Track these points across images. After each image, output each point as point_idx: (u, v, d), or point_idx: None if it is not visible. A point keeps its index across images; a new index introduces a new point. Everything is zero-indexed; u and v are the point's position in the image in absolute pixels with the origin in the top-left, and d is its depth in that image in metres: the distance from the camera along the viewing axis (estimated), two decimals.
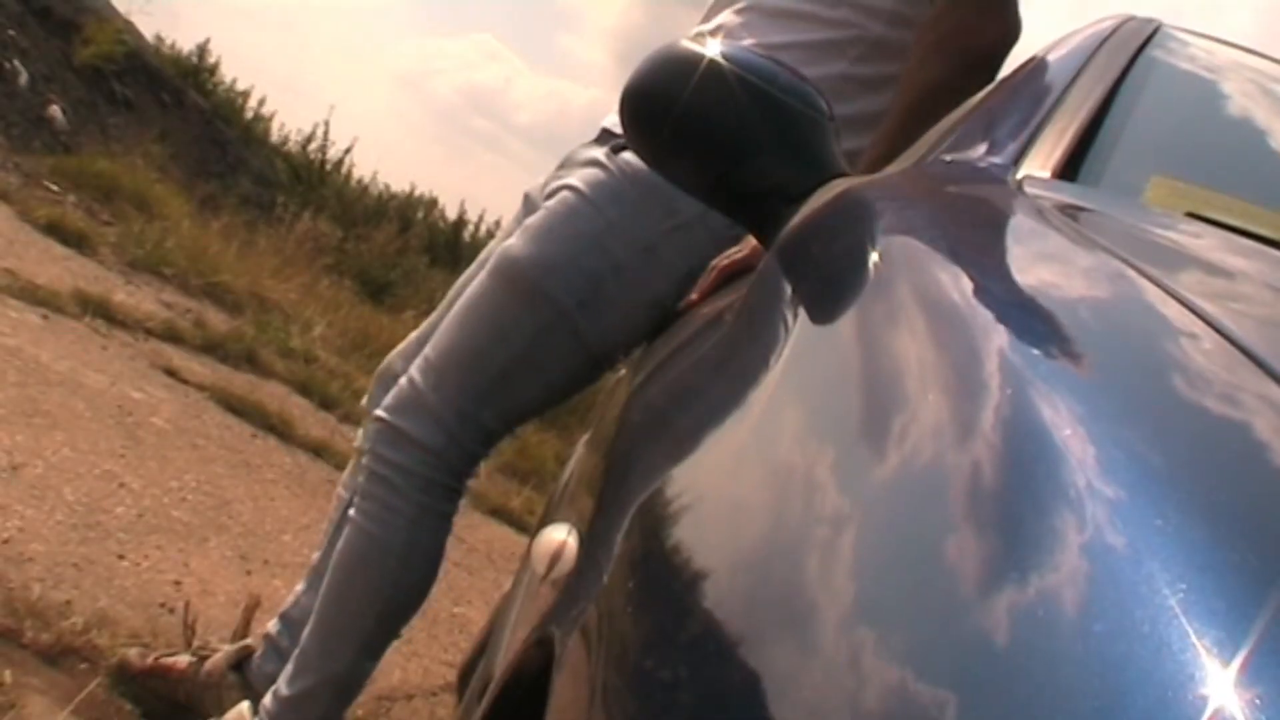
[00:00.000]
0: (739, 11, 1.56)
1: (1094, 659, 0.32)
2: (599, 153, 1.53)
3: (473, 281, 1.52)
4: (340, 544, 1.56)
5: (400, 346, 1.79)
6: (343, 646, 1.55)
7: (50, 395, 2.98)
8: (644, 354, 1.48)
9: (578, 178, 1.51)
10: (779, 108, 1.12)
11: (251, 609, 1.92)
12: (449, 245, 12.09)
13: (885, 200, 0.86)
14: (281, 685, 1.57)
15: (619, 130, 1.48)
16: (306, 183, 10.76)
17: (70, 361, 3.35)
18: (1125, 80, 1.20)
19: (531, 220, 1.52)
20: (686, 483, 0.66)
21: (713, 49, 1.12)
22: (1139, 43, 1.30)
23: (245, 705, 1.56)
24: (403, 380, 1.55)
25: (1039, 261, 0.68)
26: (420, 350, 1.64)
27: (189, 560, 2.48)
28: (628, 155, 1.47)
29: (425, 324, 1.80)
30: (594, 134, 1.63)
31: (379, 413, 1.53)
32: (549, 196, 1.55)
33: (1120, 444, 0.42)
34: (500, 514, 4.37)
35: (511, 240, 1.51)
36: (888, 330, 0.61)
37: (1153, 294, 0.57)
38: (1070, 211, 0.82)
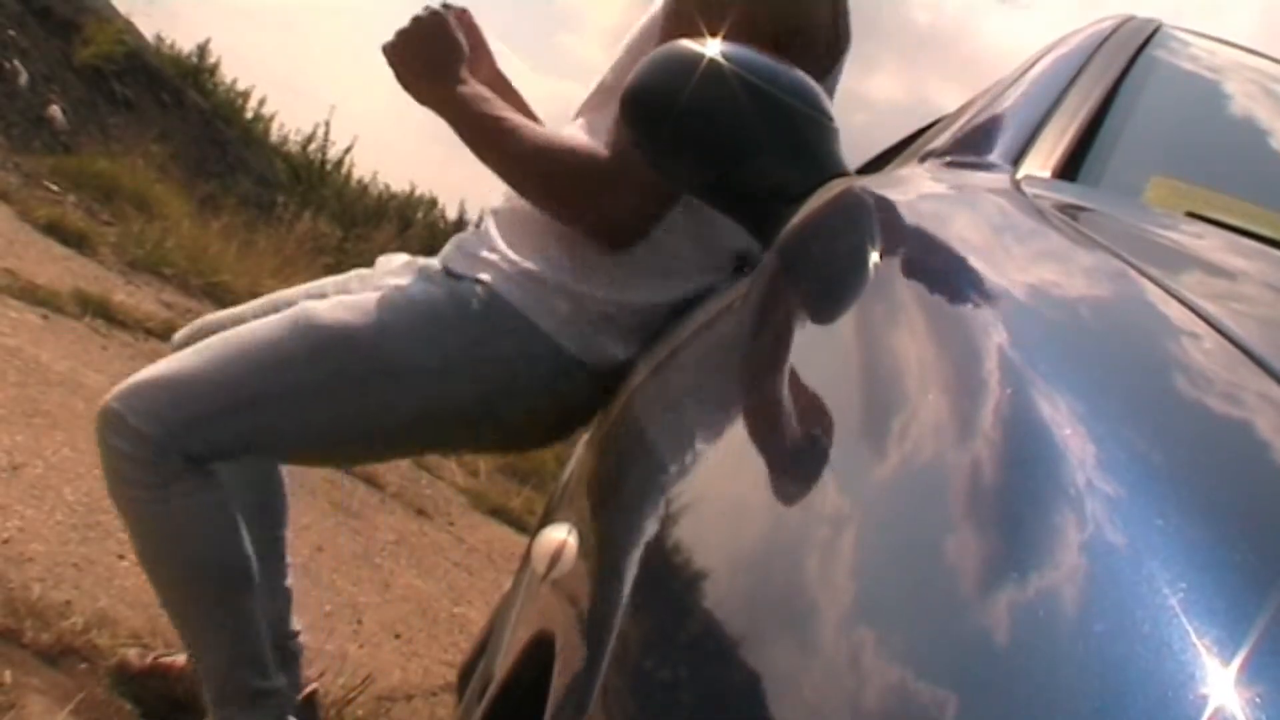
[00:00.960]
0: (594, 97, 1.63)
1: (1094, 659, 0.32)
2: (437, 268, 1.59)
3: (263, 319, 1.53)
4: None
5: (188, 330, 1.80)
6: (211, 634, 1.55)
7: (50, 395, 2.98)
8: (644, 354, 1.48)
9: (409, 282, 1.57)
10: (779, 107, 1.12)
11: None
12: None
13: (885, 200, 0.86)
14: (206, 699, 1.58)
15: (457, 268, 1.54)
16: (306, 183, 10.75)
17: (70, 361, 3.35)
18: (1125, 80, 1.20)
19: (348, 298, 1.56)
20: (686, 482, 0.66)
21: (713, 48, 1.12)
22: (1139, 43, 1.30)
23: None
24: (148, 370, 1.55)
25: (1039, 261, 0.68)
26: (232, 321, 1.67)
27: None
28: (460, 285, 1.53)
29: (224, 315, 1.81)
30: None
31: (108, 398, 1.51)
32: (376, 289, 1.63)
33: (1120, 443, 0.42)
34: (500, 514, 4.37)
35: (320, 303, 1.54)
36: (888, 330, 0.61)
37: (1153, 294, 0.57)
38: (1070, 211, 0.82)
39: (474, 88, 1.53)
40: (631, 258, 1.51)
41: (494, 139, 1.50)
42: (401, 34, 1.56)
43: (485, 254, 1.55)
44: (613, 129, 1.45)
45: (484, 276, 1.52)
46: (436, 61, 1.54)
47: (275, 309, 1.70)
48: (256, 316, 1.72)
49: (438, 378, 1.49)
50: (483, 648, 2.13)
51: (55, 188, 5.88)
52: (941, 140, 1.25)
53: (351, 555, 3.05)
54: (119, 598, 2.14)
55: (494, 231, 1.58)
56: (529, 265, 1.52)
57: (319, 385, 1.47)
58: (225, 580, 1.52)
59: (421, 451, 1.51)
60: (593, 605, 0.66)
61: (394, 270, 1.67)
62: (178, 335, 1.80)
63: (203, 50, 10.90)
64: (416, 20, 1.56)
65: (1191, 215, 0.91)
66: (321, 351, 1.48)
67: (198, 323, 1.81)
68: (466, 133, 1.53)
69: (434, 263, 1.60)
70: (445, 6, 1.60)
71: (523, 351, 1.50)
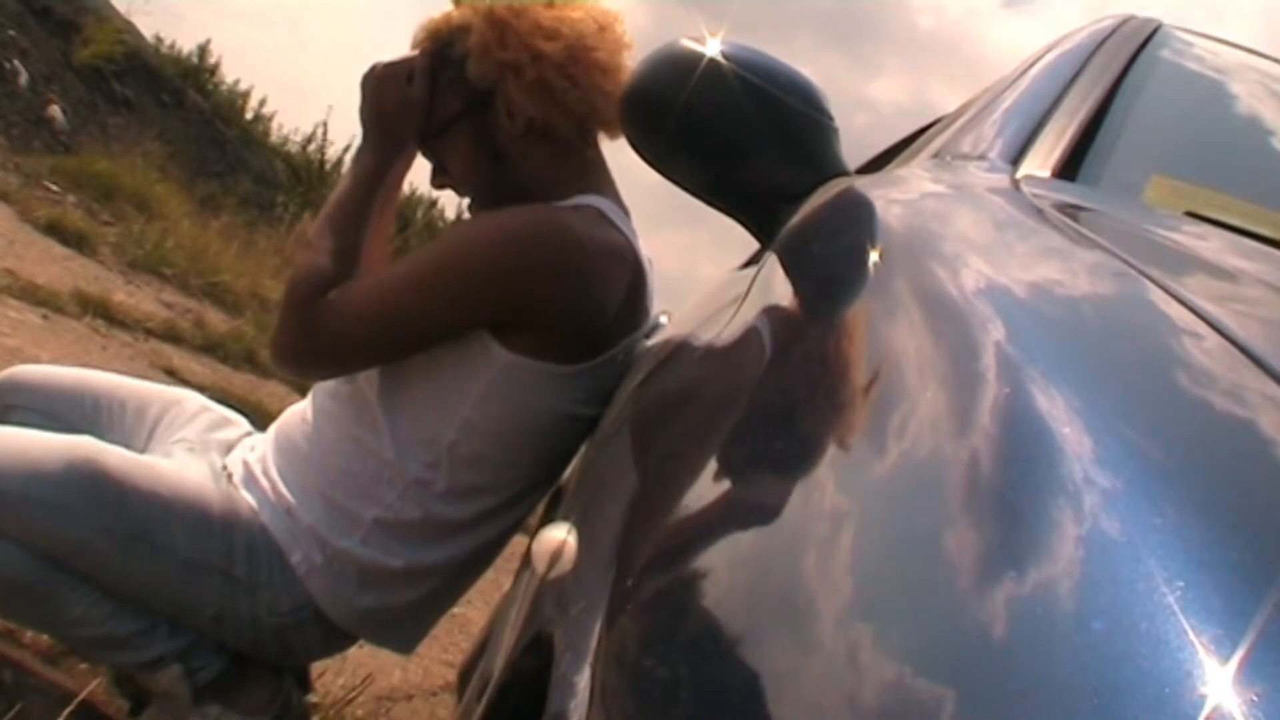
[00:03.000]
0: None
1: (1092, 656, 0.32)
2: (220, 466, 1.64)
3: (53, 442, 1.54)
4: None
5: (24, 374, 1.84)
6: (64, 633, 1.59)
7: None
8: (643, 354, 1.48)
9: (200, 465, 1.62)
10: (779, 107, 1.12)
11: None
12: None
13: (885, 199, 0.86)
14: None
15: (236, 477, 1.59)
16: (306, 183, 10.75)
17: (70, 362, 3.34)
18: (1125, 80, 1.20)
19: (142, 458, 1.60)
20: (686, 483, 0.66)
21: (713, 48, 1.12)
22: (1139, 42, 1.30)
23: (178, 668, 1.56)
24: None
25: (1038, 260, 0.68)
26: (44, 394, 1.76)
27: None
28: (235, 494, 1.57)
29: (61, 375, 1.85)
30: None
31: None
32: (174, 443, 1.70)
33: (1119, 441, 0.42)
34: None
35: (112, 451, 1.56)
36: (887, 329, 0.61)
37: (1152, 293, 0.57)
38: (1070, 211, 0.82)
39: (372, 180, 1.57)
40: (389, 518, 1.54)
41: (320, 230, 1.54)
42: (391, 70, 1.58)
43: (259, 474, 1.59)
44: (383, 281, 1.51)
45: (250, 500, 1.56)
46: (396, 130, 1.59)
47: (80, 393, 1.74)
48: (63, 388, 1.79)
49: (184, 567, 1.52)
50: (483, 648, 2.13)
51: (55, 188, 5.88)
52: (941, 140, 1.25)
53: None
54: None
55: (270, 454, 1.61)
56: (290, 499, 1.56)
57: (82, 515, 1.48)
58: (21, 600, 1.53)
59: (149, 607, 1.56)
60: (592, 605, 0.66)
61: (199, 432, 1.73)
62: None
63: (203, 50, 10.90)
64: (408, 63, 1.59)
65: (1191, 215, 0.91)
66: (95, 492, 1.49)
67: (4, 378, 1.83)
68: (325, 214, 1.56)
69: (224, 462, 1.64)
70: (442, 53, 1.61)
71: (269, 581, 1.55)
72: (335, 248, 1.52)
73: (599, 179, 1.61)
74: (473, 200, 1.66)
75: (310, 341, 1.49)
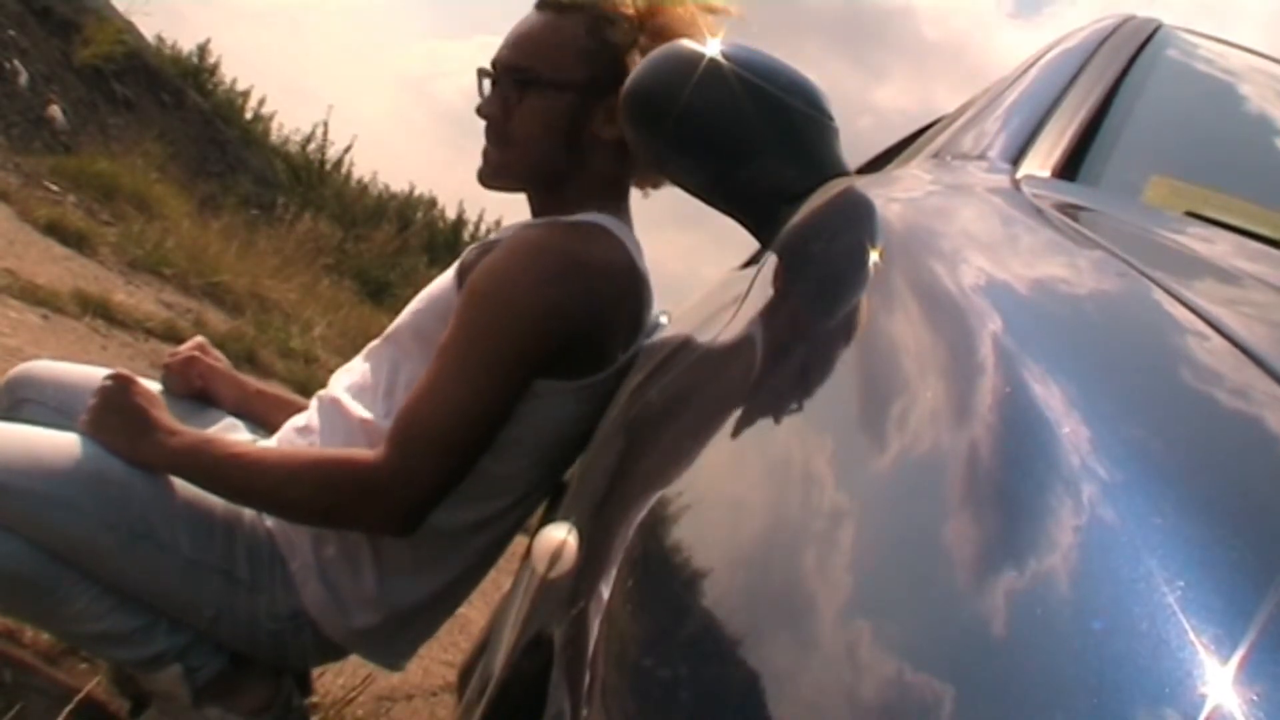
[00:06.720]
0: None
1: (1092, 656, 0.33)
2: None
3: (63, 440, 1.54)
4: None
5: (36, 369, 1.86)
6: (64, 629, 1.59)
7: None
8: (643, 354, 1.48)
9: None
10: (780, 107, 1.12)
11: None
12: (448, 244, 12.13)
13: (885, 200, 0.86)
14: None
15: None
16: (306, 183, 10.77)
17: (70, 362, 3.35)
18: (1125, 80, 1.20)
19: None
20: (686, 482, 0.67)
21: (713, 48, 1.12)
22: (1139, 42, 1.31)
23: (178, 668, 1.56)
24: None
25: (1038, 260, 0.68)
26: (55, 388, 1.78)
27: None
28: None
29: (72, 371, 1.87)
30: None
31: None
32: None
33: (1119, 439, 0.42)
34: None
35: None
36: (887, 329, 0.61)
37: (1151, 292, 0.57)
38: (1069, 211, 0.82)
39: (188, 437, 1.53)
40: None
41: (236, 477, 1.50)
42: (92, 410, 1.54)
43: None
44: (392, 427, 1.46)
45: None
46: (132, 426, 1.52)
47: (91, 389, 1.72)
48: (75, 383, 1.78)
49: (186, 567, 1.51)
50: (483, 648, 2.12)
51: (55, 188, 5.88)
52: (941, 140, 1.25)
53: None
54: None
55: None
56: None
57: (86, 511, 1.48)
58: (23, 594, 1.52)
59: (150, 605, 1.56)
60: (592, 604, 0.66)
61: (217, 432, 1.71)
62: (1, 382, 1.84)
63: (203, 50, 10.91)
64: (101, 391, 1.55)
65: (1191, 215, 0.91)
66: (100, 489, 1.49)
67: (18, 372, 1.85)
68: (205, 480, 1.52)
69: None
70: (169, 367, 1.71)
71: (269, 584, 1.54)
72: (245, 458, 1.50)
73: (617, 195, 1.60)
74: (492, 174, 1.58)
75: (404, 494, 1.44)
